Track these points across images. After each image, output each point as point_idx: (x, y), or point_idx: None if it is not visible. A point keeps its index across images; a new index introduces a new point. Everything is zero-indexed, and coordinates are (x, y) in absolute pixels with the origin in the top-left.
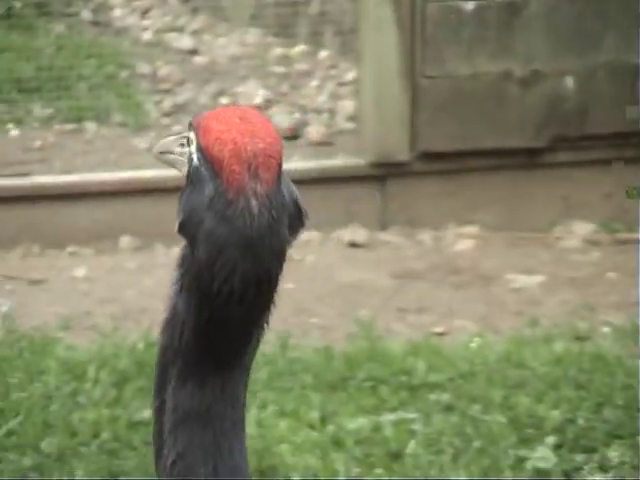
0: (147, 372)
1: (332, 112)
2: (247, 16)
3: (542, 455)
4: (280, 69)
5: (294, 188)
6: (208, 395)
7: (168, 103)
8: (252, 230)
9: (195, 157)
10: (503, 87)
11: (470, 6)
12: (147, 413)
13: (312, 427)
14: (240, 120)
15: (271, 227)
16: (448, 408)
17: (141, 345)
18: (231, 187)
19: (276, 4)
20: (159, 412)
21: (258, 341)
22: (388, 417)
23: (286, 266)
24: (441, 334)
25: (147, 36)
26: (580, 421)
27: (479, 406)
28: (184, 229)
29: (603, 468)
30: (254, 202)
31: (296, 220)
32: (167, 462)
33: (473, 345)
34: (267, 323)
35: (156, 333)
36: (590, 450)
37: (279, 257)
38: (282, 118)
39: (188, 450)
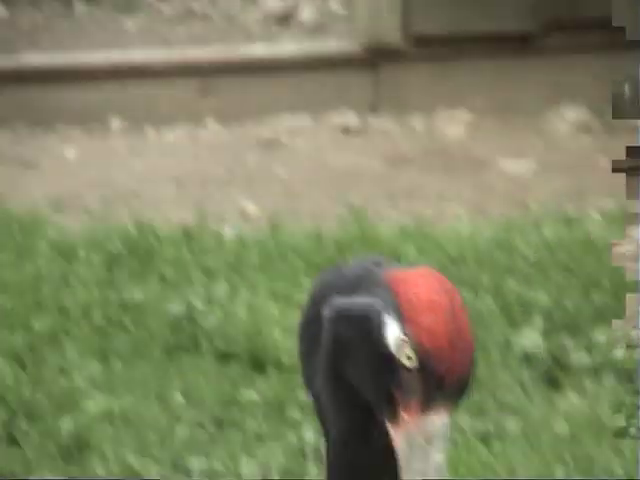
0: (138, 254)
1: None
2: None
3: (530, 338)
4: None
5: None
6: None
7: None
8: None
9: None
10: None
11: None
12: (137, 294)
13: None
14: (450, 314)
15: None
16: None
17: (132, 228)
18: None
19: None
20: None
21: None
22: None
23: (276, 151)
24: (432, 219)
25: None
26: (568, 304)
27: (469, 290)
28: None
29: (589, 349)
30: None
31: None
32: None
33: (463, 230)
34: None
35: (147, 216)
36: (577, 332)
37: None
38: (274, 3)
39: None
